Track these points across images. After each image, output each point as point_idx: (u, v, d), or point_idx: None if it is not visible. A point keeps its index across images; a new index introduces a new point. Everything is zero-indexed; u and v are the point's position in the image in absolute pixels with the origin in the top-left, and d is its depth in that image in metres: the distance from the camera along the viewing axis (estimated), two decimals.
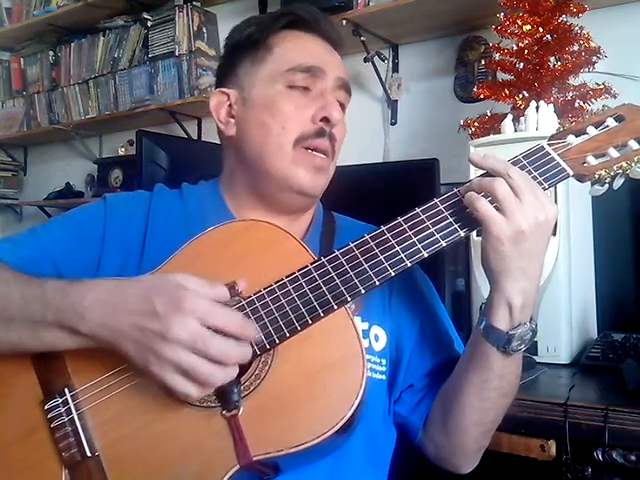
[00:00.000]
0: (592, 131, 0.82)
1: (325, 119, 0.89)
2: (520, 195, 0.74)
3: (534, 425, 1.06)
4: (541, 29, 1.57)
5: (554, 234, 1.31)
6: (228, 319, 0.70)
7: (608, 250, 1.52)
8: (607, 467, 1.01)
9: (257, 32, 0.94)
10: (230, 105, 0.95)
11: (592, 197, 1.48)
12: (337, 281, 0.76)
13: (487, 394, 0.84)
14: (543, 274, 1.28)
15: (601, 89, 1.56)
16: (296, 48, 0.93)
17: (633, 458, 0.98)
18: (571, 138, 0.82)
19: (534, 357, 1.30)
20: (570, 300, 1.34)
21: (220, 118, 0.96)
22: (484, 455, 0.96)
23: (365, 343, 0.89)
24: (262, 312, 0.75)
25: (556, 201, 1.32)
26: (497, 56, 1.69)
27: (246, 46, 0.94)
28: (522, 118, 1.44)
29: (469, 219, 0.78)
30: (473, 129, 1.67)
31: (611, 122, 0.83)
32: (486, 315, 0.81)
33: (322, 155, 0.91)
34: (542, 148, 0.81)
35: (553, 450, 1.05)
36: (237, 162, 0.96)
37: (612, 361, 1.23)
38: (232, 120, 0.95)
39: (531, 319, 0.80)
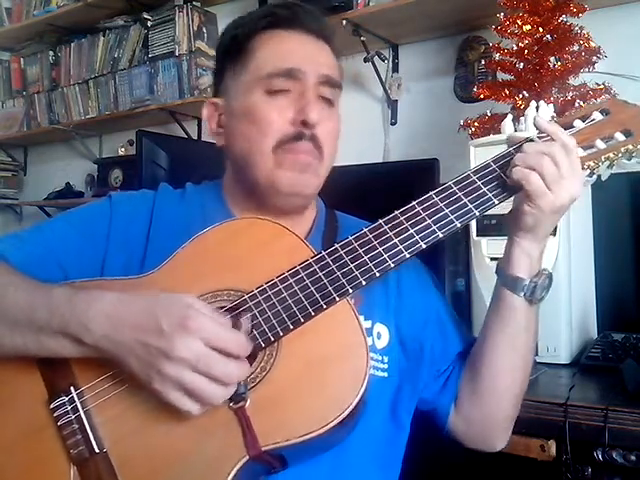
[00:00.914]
0: (579, 124, 0.85)
1: (303, 122, 0.87)
2: (562, 171, 0.79)
3: (534, 425, 1.06)
4: (541, 29, 1.57)
5: (554, 234, 1.31)
6: (232, 341, 0.71)
7: (608, 250, 1.52)
8: (607, 467, 1.01)
9: (240, 36, 0.92)
10: (221, 114, 0.95)
11: (590, 196, 1.48)
12: (337, 273, 0.78)
13: (518, 350, 0.90)
14: None
15: (601, 89, 1.56)
16: (274, 50, 0.90)
17: (633, 458, 0.98)
18: None
19: (534, 357, 1.30)
20: (570, 300, 1.34)
21: (212, 128, 0.97)
22: (484, 455, 0.96)
23: (369, 341, 0.89)
24: (265, 305, 0.77)
25: None
26: (497, 56, 1.69)
27: (231, 52, 0.93)
28: (522, 118, 1.44)
29: (463, 211, 0.81)
30: (473, 129, 1.67)
31: (597, 115, 0.86)
32: (507, 269, 0.87)
33: (304, 155, 0.89)
34: (532, 141, 0.83)
35: (553, 450, 1.05)
36: (232, 169, 0.97)
37: (612, 361, 1.23)
38: (221, 130, 0.95)
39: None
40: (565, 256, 1.32)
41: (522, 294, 0.86)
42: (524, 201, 0.81)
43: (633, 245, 1.55)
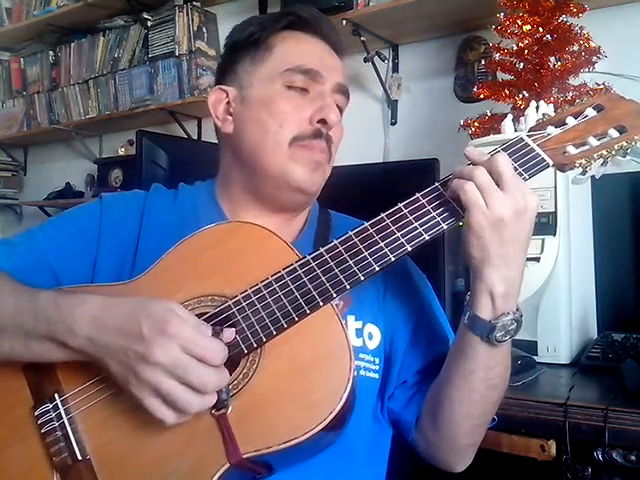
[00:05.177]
0: (571, 121, 0.83)
1: (322, 121, 0.90)
2: (500, 183, 0.75)
3: (534, 425, 1.06)
4: (541, 29, 1.57)
5: (554, 234, 1.31)
6: (209, 349, 0.69)
7: (608, 250, 1.52)
8: (607, 467, 1.01)
9: (258, 31, 0.94)
10: (228, 102, 0.95)
11: (590, 196, 1.48)
12: (322, 278, 0.77)
13: (475, 385, 0.84)
14: (543, 274, 1.30)
15: (601, 89, 1.56)
16: (296, 49, 0.93)
17: (633, 458, 0.98)
18: (551, 129, 0.83)
19: (534, 357, 1.30)
20: (570, 300, 1.34)
21: (217, 115, 0.96)
22: (484, 455, 0.95)
23: (359, 342, 0.89)
24: (249, 311, 0.76)
25: (556, 200, 1.32)
26: (497, 56, 1.69)
27: (247, 45, 0.95)
28: (522, 118, 1.44)
29: (450, 212, 0.79)
30: (473, 129, 1.67)
31: (590, 112, 0.84)
32: (469, 305, 0.81)
33: (319, 152, 0.91)
34: (521, 139, 0.81)
35: (553, 450, 1.05)
36: (233, 160, 0.96)
37: (612, 361, 1.23)
38: (230, 117, 0.95)
39: (517, 309, 0.80)
40: (565, 256, 1.32)
41: (479, 334, 0.80)
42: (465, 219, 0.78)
43: (633, 245, 1.55)
